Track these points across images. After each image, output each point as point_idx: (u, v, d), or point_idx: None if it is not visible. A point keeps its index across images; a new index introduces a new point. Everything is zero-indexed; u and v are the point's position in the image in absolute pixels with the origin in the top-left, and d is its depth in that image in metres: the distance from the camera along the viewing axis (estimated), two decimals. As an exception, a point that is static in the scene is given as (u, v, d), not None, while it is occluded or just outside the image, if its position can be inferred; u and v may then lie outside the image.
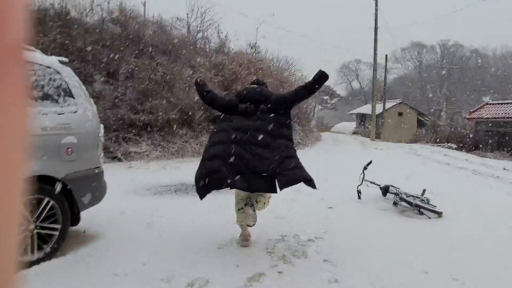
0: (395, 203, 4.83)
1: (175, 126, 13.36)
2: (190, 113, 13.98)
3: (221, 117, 3.55)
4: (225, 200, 5.27)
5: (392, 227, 4.11)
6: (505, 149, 18.61)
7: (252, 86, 3.65)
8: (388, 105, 30.52)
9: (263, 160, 3.12)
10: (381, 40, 25.70)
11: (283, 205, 5.11)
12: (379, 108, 27.52)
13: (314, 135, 22.68)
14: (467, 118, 23.22)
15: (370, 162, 5.44)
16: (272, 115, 3.32)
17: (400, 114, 32.01)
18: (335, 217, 4.49)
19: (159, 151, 11.84)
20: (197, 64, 16.05)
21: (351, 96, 66.38)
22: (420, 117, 32.59)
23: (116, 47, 14.10)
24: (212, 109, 4.77)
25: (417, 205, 4.46)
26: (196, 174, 3.51)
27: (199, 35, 20.97)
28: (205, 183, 3.35)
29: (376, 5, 25.06)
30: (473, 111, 22.93)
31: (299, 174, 3.17)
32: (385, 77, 29.17)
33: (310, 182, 3.19)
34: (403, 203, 4.63)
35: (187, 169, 8.77)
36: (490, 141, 19.34)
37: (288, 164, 3.17)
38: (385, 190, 5.02)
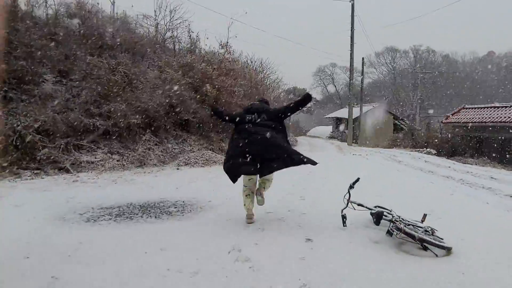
0: (389, 232, 3.82)
1: (136, 132, 12.08)
2: (154, 117, 12.75)
3: (236, 125, 4.69)
4: (172, 233, 4.09)
5: (392, 271, 3.06)
6: (484, 154, 18.21)
7: (257, 102, 5.04)
8: (365, 109, 30.04)
9: (269, 153, 4.30)
10: (358, 44, 25.19)
11: (248, 235, 4.00)
12: (355, 112, 26.91)
13: (289, 140, 21.77)
14: (444, 123, 22.82)
15: (357, 180, 4.41)
16: (270, 122, 4.54)
17: (377, 118, 31.68)
18: (315, 256, 3.40)
19: (117, 160, 10.51)
20: (163, 64, 14.81)
21: (326, 99, 66.30)
22: (396, 122, 32.27)
23: (71, 43, 12.70)
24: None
25: (421, 240, 3.46)
26: (224, 165, 4.51)
27: (168, 34, 19.69)
28: (232, 173, 4.41)
29: (353, 8, 24.48)
30: (450, 115, 22.57)
31: (297, 159, 4.45)
32: (362, 80, 28.65)
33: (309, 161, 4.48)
34: (401, 233, 3.61)
35: (143, 182, 7.56)
36: (469, 147, 18.92)
37: (287, 152, 4.44)
38: (378, 217, 3.99)
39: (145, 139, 12.40)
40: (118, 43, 14.53)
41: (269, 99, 22.74)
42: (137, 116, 11.64)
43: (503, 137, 18.07)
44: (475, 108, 21.54)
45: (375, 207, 4.45)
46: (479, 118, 19.87)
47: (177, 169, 9.90)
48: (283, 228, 4.34)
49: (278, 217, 4.82)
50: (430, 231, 3.64)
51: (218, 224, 4.47)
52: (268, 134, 4.33)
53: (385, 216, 4.03)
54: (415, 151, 19.12)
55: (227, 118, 4.98)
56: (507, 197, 7.15)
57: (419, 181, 8.56)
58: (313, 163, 4.45)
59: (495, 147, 18.27)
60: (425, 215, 3.99)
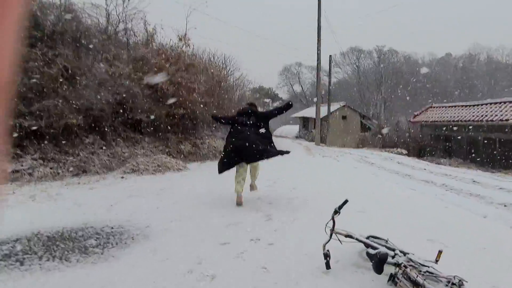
0: (393, 280, 2.64)
1: (77, 134, 10.42)
2: (100, 117, 11.12)
3: (231, 125, 5.90)
4: None
5: None
6: (454, 154, 17.78)
7: (246, 106, 6.12)
8: (332, 108, 29.32)
9: (255, 146, 5.26)
10: (323, 43, 24.33)
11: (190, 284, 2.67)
12: (323, 111, 26.08)
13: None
14: (411, 122, 22.40)
15: (345, 203, 3.19)
16: (257, 123, 5.68)
17: (344, 117, 30.88)
18: None
19: (51, 168, 8.85)
20: (112, 58, 13.14)
21: (292, 99, 65.84)
22: (363, 121, 31.76)
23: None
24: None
25: (452, 304, 2.29)
26: (220, 160, 5.73)
27: (121, 26, 17.86)
28: (225, 165, 5.49)
29: (319, 3, 23.61)
30: (417, 114, 22.17)
31: (275, 152, 5.48)
32: (330, 79, 27.85)
33: (282, 153, 5.60)
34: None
35: (71, 197, 6.01)
36: (438, 146, 18.47)
37: (269, 147, 5.55)
38: (380, 261, 2.73)
39: (88, 142, 10.77)
40: (61, 33, 12.71)
41: (234, 98, 21.45)
42: (76, 115, 9.99)
43: (471, 136, 17.74)
44: (442, 106, 21.22)
45: (368, 237, 3.24)
46: (447, 116, 19.50)
47: (122, 177, 8.37)
48: (241, 272, 3.04)
49: (236, 252, 3.52)
50: (457, 284, 2.46)
51: (148, 269, 3.10)
52: (254, 134, 5.47)
53: (390, 259, 2.80)
54: (385, 151, 18.45)
55: (223, 121, 6.26)
56: (501, 207, 6.26)
57: (401, 189, 7.54)
58: (287, 152, 5.67)
59: (463, 147, 17.92)
60: (440, 253, 2.82)
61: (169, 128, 14.07)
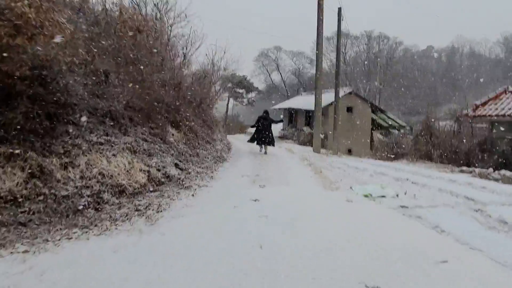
0: None
1: None
2: None
3: (256, 124, 13.31)
4: None
5: None
6: None
7: (264, 114, 13.36)
8: (331, 96, 20.51)
9: (267, 137, 12.96)
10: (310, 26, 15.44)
11: None
12: (324, 100, 17.15)
13: (215, 150, 11.37)
14: (471, 117, 13.94)
15: None
16: (269, 124, 13.23)
17: (350, 109, 21.75)
18: None
19: None
20: None
21: (270, 89, 57.14)
22: (374, 116, 22.67)
23: None
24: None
25: None
26: (251, 139, 13.46)
27: None
28: (254, 140, 13.28)
29: None
30: (481, 105, 13.68)
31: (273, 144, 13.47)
32: (338, 45, 18.52)
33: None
34: None
35: None
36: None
37: (273, 140, 13.32)
38: None
39: None
40: None
41: (180, 76, 12.42)
42: None
43: None
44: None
45: None
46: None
47: None
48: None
49: None
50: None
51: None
52: (268, 131, 12.74)
53: None
54: (459, 171, 9.81)
55: (256, 124, 13.18)
56: None
57: None
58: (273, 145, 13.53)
59: None
60: None
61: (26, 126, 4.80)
